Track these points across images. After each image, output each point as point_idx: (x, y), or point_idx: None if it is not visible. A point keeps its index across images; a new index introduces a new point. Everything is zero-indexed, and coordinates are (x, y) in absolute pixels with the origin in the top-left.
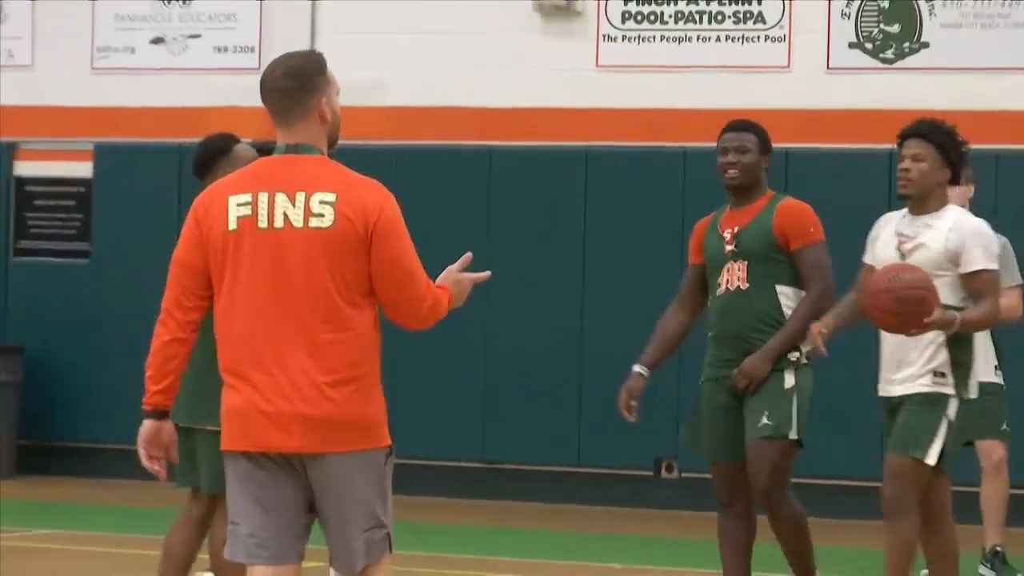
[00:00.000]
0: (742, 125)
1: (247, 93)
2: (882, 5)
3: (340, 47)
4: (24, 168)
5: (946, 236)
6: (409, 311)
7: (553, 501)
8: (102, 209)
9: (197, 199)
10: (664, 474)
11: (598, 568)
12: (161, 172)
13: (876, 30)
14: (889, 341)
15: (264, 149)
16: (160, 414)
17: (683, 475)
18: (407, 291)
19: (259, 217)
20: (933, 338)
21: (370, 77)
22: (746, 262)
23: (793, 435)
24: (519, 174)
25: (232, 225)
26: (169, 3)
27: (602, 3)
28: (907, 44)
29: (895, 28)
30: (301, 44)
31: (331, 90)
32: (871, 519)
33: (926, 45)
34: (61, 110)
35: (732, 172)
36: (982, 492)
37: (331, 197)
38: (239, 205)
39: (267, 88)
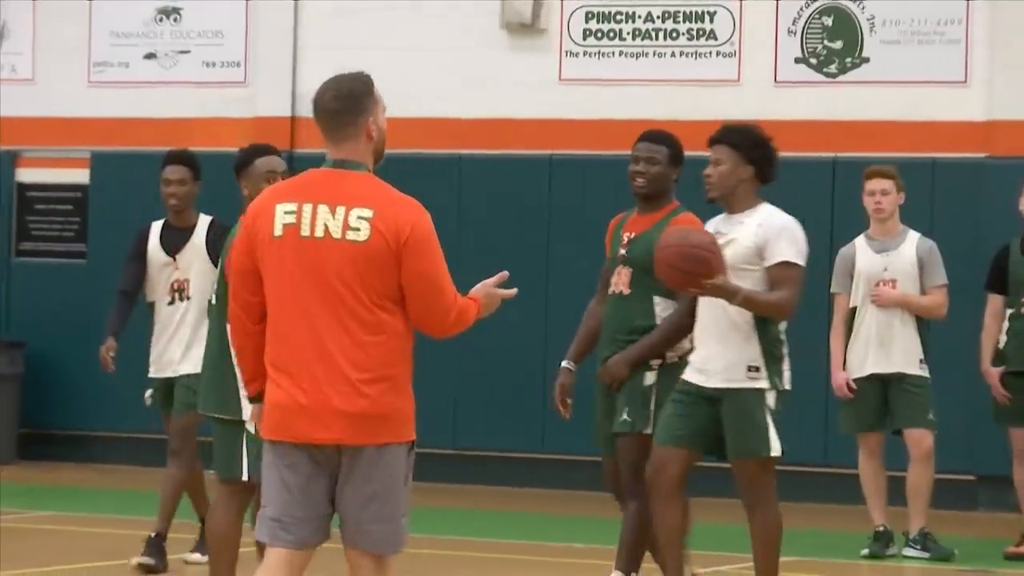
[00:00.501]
0: (655, 136)
1: (234, 105)
2: (826, 23)
3: (320, 62)
4: (25, 175)
5: (755, 232)
6: (434, 321)
7: (518, 485)
8: (98, 213)
9: (248, 208)
10: None
11: (561, 547)
12: (153, 178)
13: (820, 46)
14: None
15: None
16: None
17: None
18: (434, 303)
19: (302, 226)
20: (747, 332)
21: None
22: (631, 269)
23: (649, 431)
24: (488, 180)
25: (278, 232)
26: (161, 21)
27: (565, 21)
28: (849, 59)
29: (838, 44)
30: (284, 60)
31: (378, 109)
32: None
33: (867, 60)
34: (60, 121)
35: (640, 181)
36: (909, 478)
37: (368, 213)
38: (286, 213)
39: (319, 108)
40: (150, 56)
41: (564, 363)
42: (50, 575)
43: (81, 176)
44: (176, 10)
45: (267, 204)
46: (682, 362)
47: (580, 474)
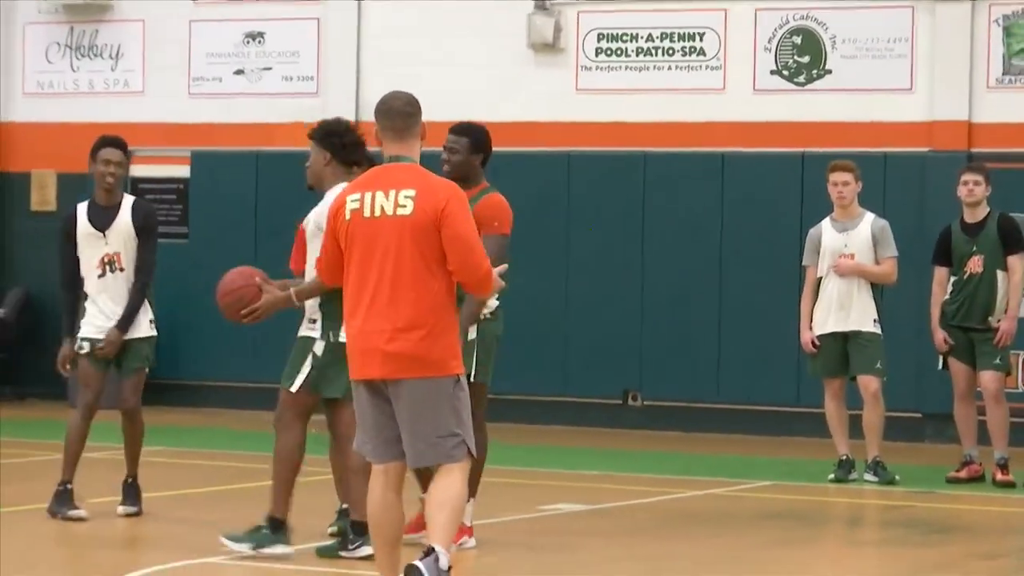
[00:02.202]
0: (459, 129)
1: (307, 112)
2: (795, 41)
3: (379, 75)
4: (137, 171)
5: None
6: (470, 274)
7: (544, 423)
8: (196, 202)
9: (333, 200)
10: (630, 402)
11: (579, 475)
12: (241, 173)
13: (791, 60)
14: None
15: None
16: None
17: (645, 403)
18: (469, 259)
19: (364, 209)
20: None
21: None
22: None
23: (478, 379)
24: (515, 175)
25: (347, 216)
26: (248, 43)
27: (580, 41)
28: (815, 71)
29: (806, 59)
30: (349, 76)
31: None
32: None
33: (829, 72)
34: (165, 126)
35: (445, 168)
36: (863, 416)
37: (412, 193)
38: (353, 202)
39: (392, 111)
40: (239, 72)
41: None
42: (170, 499)
43: (183, 171)
44: (260, 34)
45: (342, 198)
46: (494, 317)
47: (595, 414)
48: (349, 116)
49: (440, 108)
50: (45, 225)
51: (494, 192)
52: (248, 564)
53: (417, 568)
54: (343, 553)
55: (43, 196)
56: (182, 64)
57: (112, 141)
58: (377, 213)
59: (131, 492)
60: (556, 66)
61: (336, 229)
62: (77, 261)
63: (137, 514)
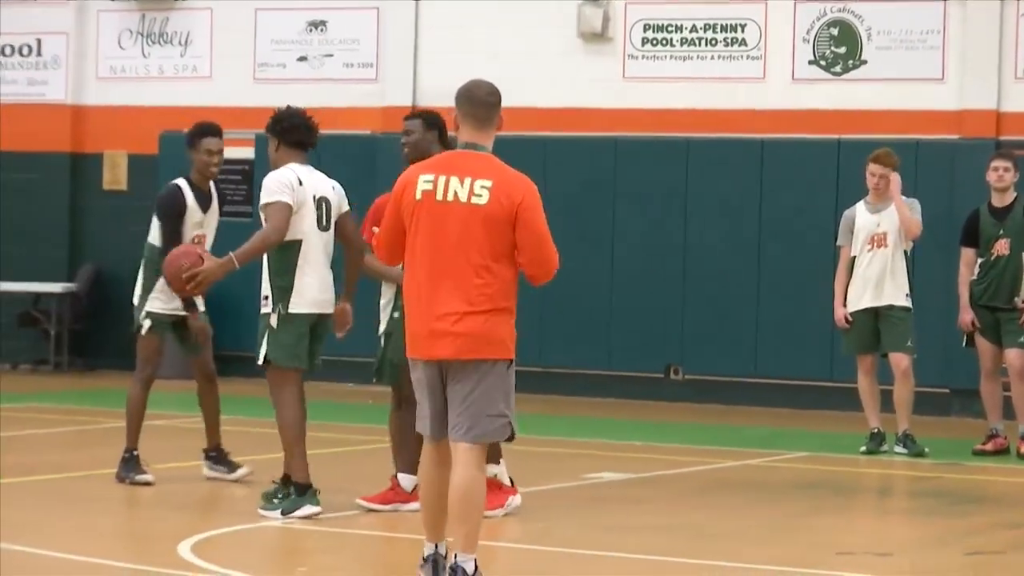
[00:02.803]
0: (412, 115)
1: (367, 97)
2: (832, 32)
3: (435, 64)
4: None
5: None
6: (542, 268)
7: (590, 396)
8: (260, 182)
9: (400, 177)
10: (672, 376)
11: (622, 445)
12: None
13: (828, 51)
14: None
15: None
16: None
17: (686, 377)
18: (542, 253)
19: (437, 192)
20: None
21: (457, 85)
22: None
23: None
24: (567, 158)
25: (418, 196)
26: (310, 31)
27: (627, 32)
28: (851, 61)
29: (842, 49)
30: (406, 63)
31: None
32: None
33: (865, 62)
34: (231, 109)
35: (405, 151)
36: (894, 392)
37: (489, 184)
38: (425, 182)
39: (476, 100)
40: (302, 59)
41: None
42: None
43: (247, 153)
44: (323, 22)
45: (413, 176)
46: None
47: (638, 387)
48: (406, 102)
49: None
50: (116, 204)
51: None
52: (301, 527)
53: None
54: (284, 515)
55: (114, 176)
56: (248, 51)
57: (213, 130)
58: (450, 197)
59: (224, 457)
60: (604, 55)
61: (402, 206)
62: (182, 237)
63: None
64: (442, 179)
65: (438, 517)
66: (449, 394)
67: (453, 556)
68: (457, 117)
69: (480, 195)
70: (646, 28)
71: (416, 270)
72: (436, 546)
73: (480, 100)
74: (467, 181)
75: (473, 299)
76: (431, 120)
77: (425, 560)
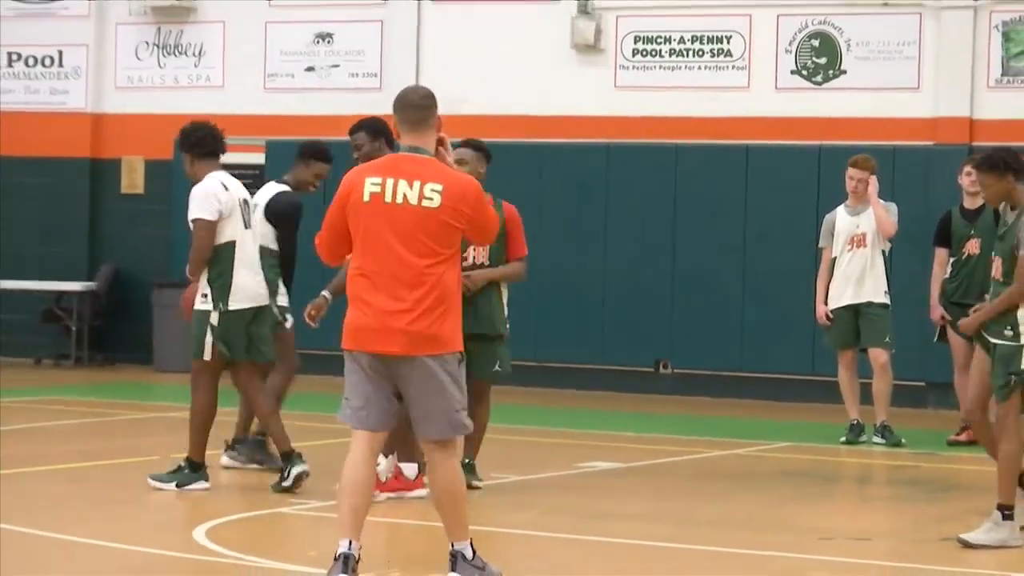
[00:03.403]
0: (353, 128)
1: (371, 105)
2: (814, 44)
3: (437, 74)
4: None
5: None
6: (488, 239)
7: (583, 389)
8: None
9: (344, 179)
10: (661, 370)
11: (614, 435)
12: None
13: (809, 61)
14: None
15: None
16: None
17: (675, 371)
18: (489, 234)
19: (385, 194)
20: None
21: (457, 94)
22: None
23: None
24: (562, 163)
25: (366, 198)
26: (318, 43)
27: (618, 43)
28: (831, 71)
29: (823, 60)
30: (409, 73)
31: None
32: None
33: (844, 72)
34: (243, 117)
35: (356, 155)
36: (873, 385)
37: (440, 187)
38: (373, 184)
39: (408, 104)
40: (310, 69)
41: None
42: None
43: (258, 159)
44: (329, 35)
45: (360, 177)
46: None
47: (629, 381)
48: None
49: (490, 103)
50: (133, 207)
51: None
52: (313, 514)
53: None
54: (178, 487)
55: (132, 180)
56: (258, 61)
57: (328, 157)
58: (399, 200)
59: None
60: (596, 65)
61: (348, 207)
62: None
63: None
64: (390, 181)
65: (362, 514)
66: (405, 391)
67: (451, 544)
68: (396, 124)
69: (431, 198)
70: (636, 40)
71: (368, 268)
72: (350, 543)
73: (415, 104)
74: (416, 184)
75: (427, 298)
76: (376, 128)
77: (337, 558)
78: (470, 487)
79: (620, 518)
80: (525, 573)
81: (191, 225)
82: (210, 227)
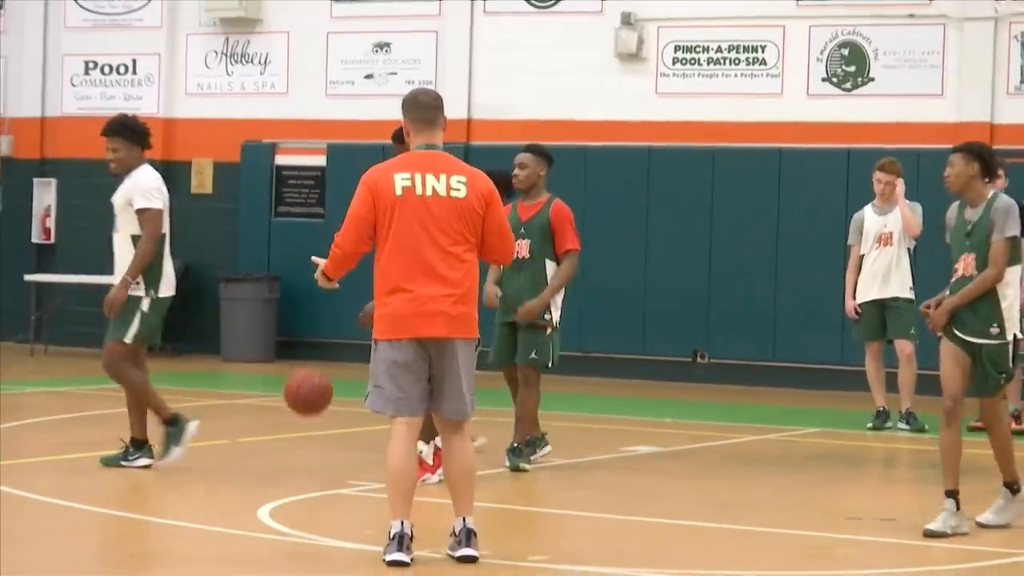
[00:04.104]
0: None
1: None
2: (843, 53)
3: (488, 83)
4: (281, 160)
5: None
6: (502, 251)
7: (626, 378)
8: (331, 187)
9: (368, 175)
10: (699, 360)
11: (654, 422)
12: (370, 162)
13: (839, 69)
14: None
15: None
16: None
17: (711, 360)
18: (504, 239)
19: (416, 187)
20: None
21: (507, 100)
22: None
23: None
24: (606, 165)
25: (398, 192)
26: (376, 52)
27: (660, 52)
28: (860, 79)
29: (852, 68)
30: (462, 81)
31: None
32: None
33: (872, 79)
34: (306, 122)
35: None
36: (899, 374)
37: (464, 179)
38: (403, 179)
39: (422, 104)
40: (369, 76)
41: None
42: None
43: (320, 161)
44: (387, 44)
45: (387, 173)
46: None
47: (668, 370)
48: (462, 115)
49: (539, 109)
50: (203, 206)
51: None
52: (366, 495)
53: (473, 556)
54: (123, 463)
55: (201, 181)
56: (320, 69)
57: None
58: (429, 192)
59: None
60: (639, 73)
61: (378, 201)
62: None
63: None
64: (418, 176)
65: (410, 496)
66: (438, 373)
67: (463, 520)
68: (407, 124)
69: (459, 189)
70: (676, 49)
71: (405, 258)
72: (403, 523)
73: (427, 104)
74: (443, 177)
75: (462, 283)
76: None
77: (393, 538)
78: (518, 469)
79: (660, 499)
80: (574, 551)
81: (138, 215)
82: (160, 216)
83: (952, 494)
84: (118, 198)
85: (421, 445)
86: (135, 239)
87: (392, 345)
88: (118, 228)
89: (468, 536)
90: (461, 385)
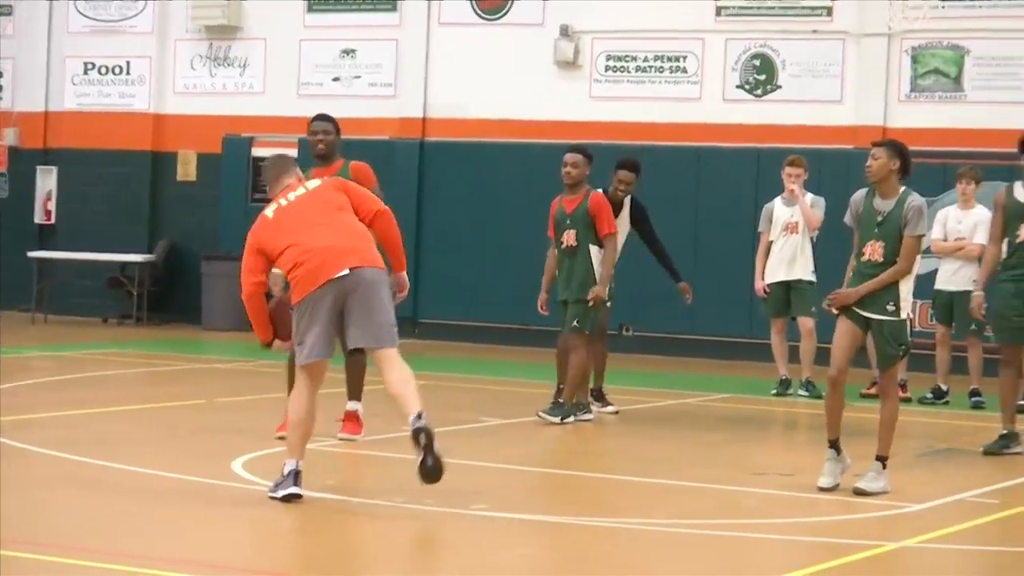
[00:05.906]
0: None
1: (387, 110)
2: (755, 63)
3: (443, 84)
4: (258, 152)
5: None
6: (369, 211)
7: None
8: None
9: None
10: (624, 333)
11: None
12: (348, 157)
13: (751, 77)
14: None
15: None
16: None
17: (635, 333)
18: (370, 204)
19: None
20: None
21: (459, 101)
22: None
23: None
24: (546, 162)
25: (269, 214)
26: (343, 57)
27: (593, 60)
28: (769, 86)
29: (763, 77)
30: (419, 84)
31: None
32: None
33: (780, 87)
34: (279, 118)
35: (320, 147)
36: (800, 347)
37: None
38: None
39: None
40: (336, 79)
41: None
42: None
43: (292, 153)
44: (353, 50)
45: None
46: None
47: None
48: (418, 114)
49: (487, 109)
50: (187, 192)
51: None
52: (331, 450)
53: (427, 429)
54: None
55: (186, 170)
56: (293, 72)
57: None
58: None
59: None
60: (575, 79)
61: (262, 234)
62: None
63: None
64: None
65: (307, 441)
66: (351, 307)
67: (419, 415)
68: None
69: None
70: (608, 58)
71: (301, 243)
72: (297, 462)
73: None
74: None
75: (349, 233)
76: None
77: (288, 475)
78: (545, 421)
79: (593, 455)
80: (515, 501)
81: None
82: None
83: (833, 443)
84: None
85: (355, 404)
86: None
87: (317, 296)
88: None
89: (429, 437)
90: (376, 315)
